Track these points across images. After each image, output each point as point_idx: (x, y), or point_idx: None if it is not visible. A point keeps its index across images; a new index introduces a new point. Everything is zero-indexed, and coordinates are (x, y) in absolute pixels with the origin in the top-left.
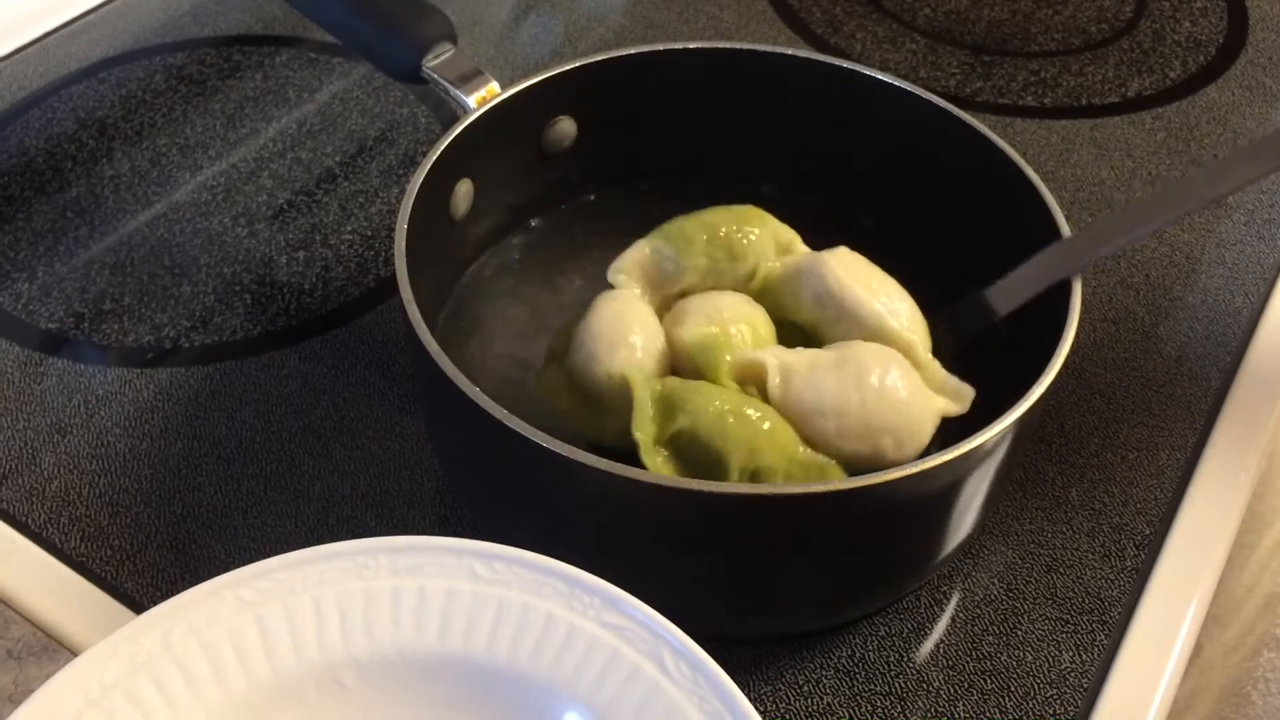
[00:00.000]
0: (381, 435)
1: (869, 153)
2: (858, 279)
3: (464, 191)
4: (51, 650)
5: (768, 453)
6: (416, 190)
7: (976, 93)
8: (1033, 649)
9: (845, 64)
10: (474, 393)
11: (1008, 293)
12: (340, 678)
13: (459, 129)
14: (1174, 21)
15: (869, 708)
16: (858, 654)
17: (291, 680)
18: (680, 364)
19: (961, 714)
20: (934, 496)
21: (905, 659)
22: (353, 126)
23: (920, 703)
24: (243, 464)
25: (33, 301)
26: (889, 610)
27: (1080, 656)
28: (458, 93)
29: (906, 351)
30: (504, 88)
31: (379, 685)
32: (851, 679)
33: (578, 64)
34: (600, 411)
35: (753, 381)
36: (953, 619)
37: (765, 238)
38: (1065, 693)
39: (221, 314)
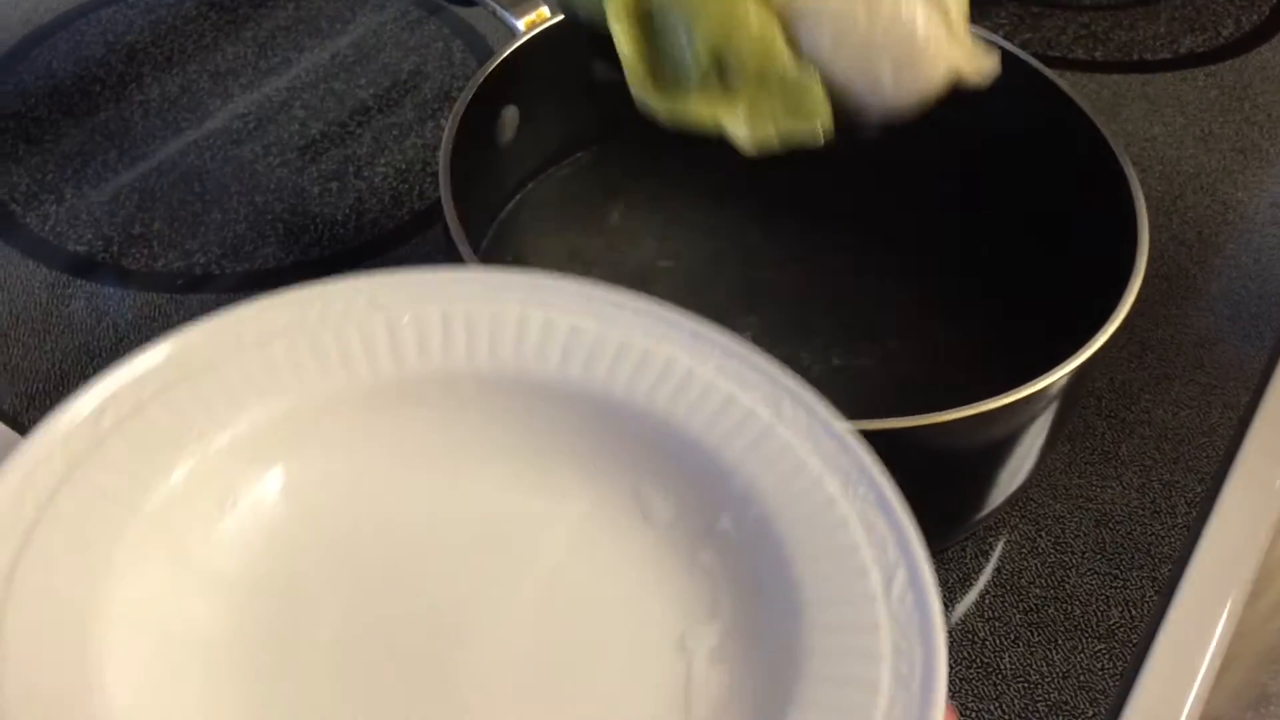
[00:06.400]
0: None
1: None
2: None
3: (510, 117)
4: None
5: (740, 38)
6: (464, 108)
7: (1025, 44)
8: (1081, 603)
9: None
10: None
11: None
12: (461, 388)
13: (508, 51)
14: None
15: None
16: None
17: (414, 382)
18: None
19: (1007, 666)
20: (991, 443)
21: (950, 609)
22: (387, 60)
23: (965, 653)
24: None
25: (60, 224)
26: (934, 560)
27: (1130, 612)
28: (506, 14)
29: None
30: (553, 13)
31: (498, 400)
32: None
33: None
34: None
35: None
36: (998, 570)
37: None
38: (1114, 648)
39: (253, 242)
